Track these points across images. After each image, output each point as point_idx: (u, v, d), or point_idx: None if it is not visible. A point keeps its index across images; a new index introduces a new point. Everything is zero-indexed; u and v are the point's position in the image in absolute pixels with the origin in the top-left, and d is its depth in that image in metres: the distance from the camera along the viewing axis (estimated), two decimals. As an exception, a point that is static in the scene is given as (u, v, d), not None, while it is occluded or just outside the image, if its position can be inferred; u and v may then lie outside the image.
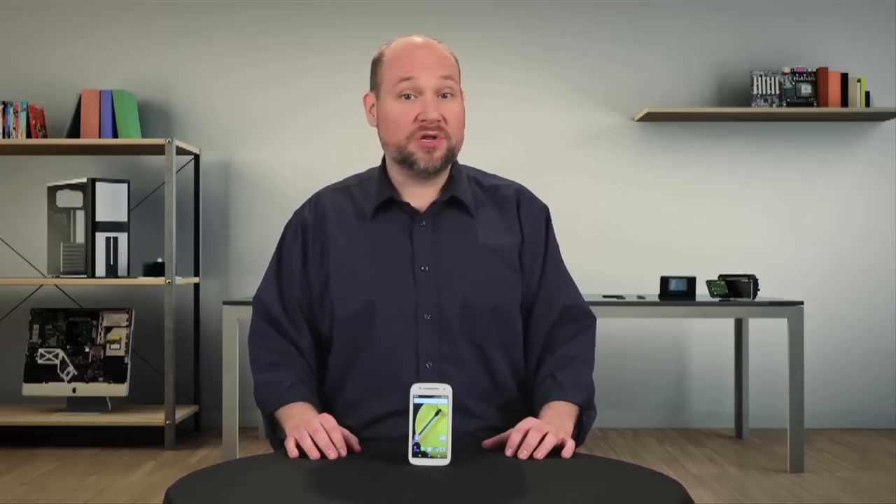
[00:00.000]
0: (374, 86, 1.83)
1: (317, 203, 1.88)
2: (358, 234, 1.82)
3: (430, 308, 1.77)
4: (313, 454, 1.58)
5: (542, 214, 1.91)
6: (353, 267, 1.81)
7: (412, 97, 1.76)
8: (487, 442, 1.67)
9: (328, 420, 1.64)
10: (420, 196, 1.83)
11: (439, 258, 1.80)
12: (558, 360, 1.83)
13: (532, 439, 1.59)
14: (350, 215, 1.85)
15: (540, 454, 1.58)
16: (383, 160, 1.87)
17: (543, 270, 1.88)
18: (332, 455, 1.58)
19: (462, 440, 1.60)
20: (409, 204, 1.82)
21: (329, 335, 1.83)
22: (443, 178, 1.84)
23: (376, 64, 1.83)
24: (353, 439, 1.65)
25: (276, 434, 1.80)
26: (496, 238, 1.84)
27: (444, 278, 1.79)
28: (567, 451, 1.60)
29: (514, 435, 1.61)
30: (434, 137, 1.75)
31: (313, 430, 1.61)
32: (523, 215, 1.88)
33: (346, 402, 1.82)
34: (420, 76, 1.75)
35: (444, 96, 1.76)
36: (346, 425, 1.72)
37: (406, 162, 1.78)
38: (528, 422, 1.63)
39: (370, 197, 1.84)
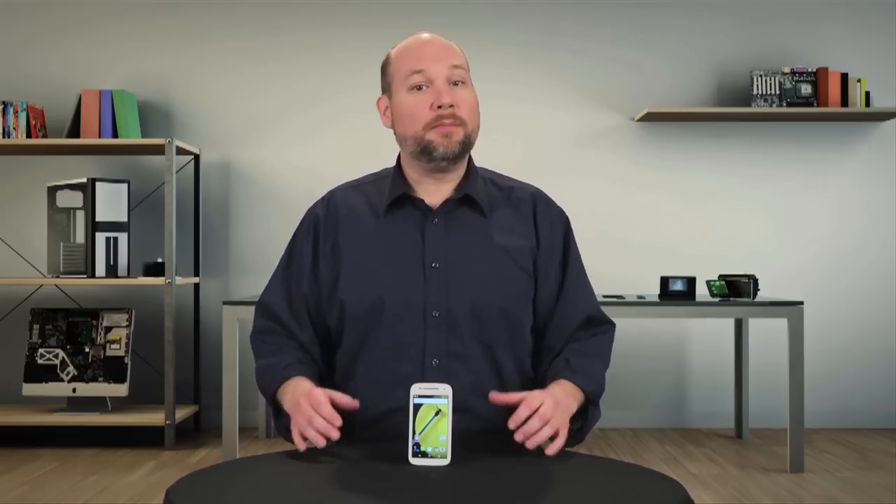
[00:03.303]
0: (386, 86, 1.84)
1: (329, 200, 1.89)
2: (370, 231, 1.83)
3: (439, 305, 1.77)
4: (320, 442, 1.59)
5: (561, 220, 1.90)
6: (364, 263, 1.81)
7: (424, 88, 1.77)
8: (497, 397, 1.65)
9: (314, 396, 1.64)
10: (434, 193, 1.83)
11: (450, 256, 1.79)
12: (574, 350, 1.83)
13: (532, 426, 1.59)
14: (363, 212, 1.85)
15: (531, 444, 1.58)
16: (398, 159, 1.87)
17: (564, 278, 1.87)
18: (334, 435, 1.59)
19: (463, 440, 1.60)
20: (422, 201, 1.82)
21: (338, 331, 1.84)
22: (458, 176, 1.84)
23: (385, 65, 1.84)
24: (345, 399, 1.65)
25: (280, 420, 1.81)
26: (509, 238, 1.83)
27: (454, 276, 1.78)
28: (551, 450, 1.60)
29: (522, 410, 1.60)
30: (451, 125, 1.76)
31: (307, 418, 1.62)
32: (539, 219, 1.87)
33: (352, 397, 1.82)
34: (430, 67, 1.76)
35: (455, 84, 1.77)
36: (353, 421, 1.72)
37: (426, 151, 1.78)
38: (537, 398, 1.62)
39: (384, 194, 1.84)
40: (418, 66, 1.76)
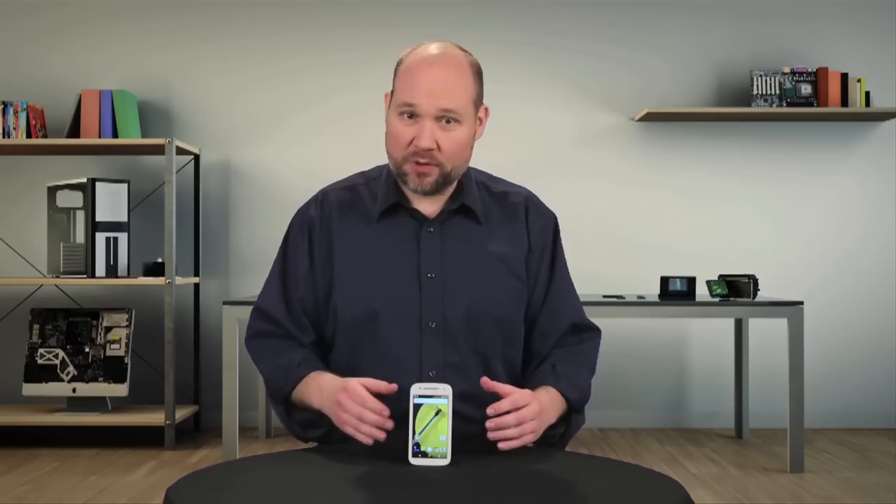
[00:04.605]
0: (392, 88, 1.80)
1: (322, 201, 1.85)
2: (364, 237, 1.80)
3: (436, 316, 1.76)
4: (378, 436, 1.59)
5: (550, 224, 1.89)
6: (358, 271, 1.79)
7: (413, 117, 1.73)
8: (489, 384, 1.64)
9: (355, 390, 1.62)
10: (429, 202, 1.81)
11: (446, 265, 1.78)
12: (560, 356, 1.83)
13: (507, 420, 1.58)
14: (357, 216, 1.82)
15: (505, 446, 1.58)
16: None
17: (550, 283, 1.86)
18: (389, 425, 1.59)
19: (461, 446, 1.59)
20: (417, 209, 1.81)
21: (332, 338, 1.82)
22: (451, 186, 1.82)
23: (396, 69, 1.79)
24: (381, 384, 1.63)
25: (292, 418, 1.79)
26: (504, 247, 1.82)
27: (450, 286, 1.77)
28: (505, 445, 1.59)
29: (506, 403, 1.60)
30: (426, 163, 1.73)
31: (358, 415, 1.60)
32: (531, 224, 1.86)
33: None
34: (421, 103, 1.71)
35: (447, 121, 1.73)
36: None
37: (400, 179, 1.77)
38: (524, 398, 1.61)
39: (377, 199, 1.82)
40: (411, 98, 1.71)
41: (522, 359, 1.87)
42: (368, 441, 1.60)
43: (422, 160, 1.72)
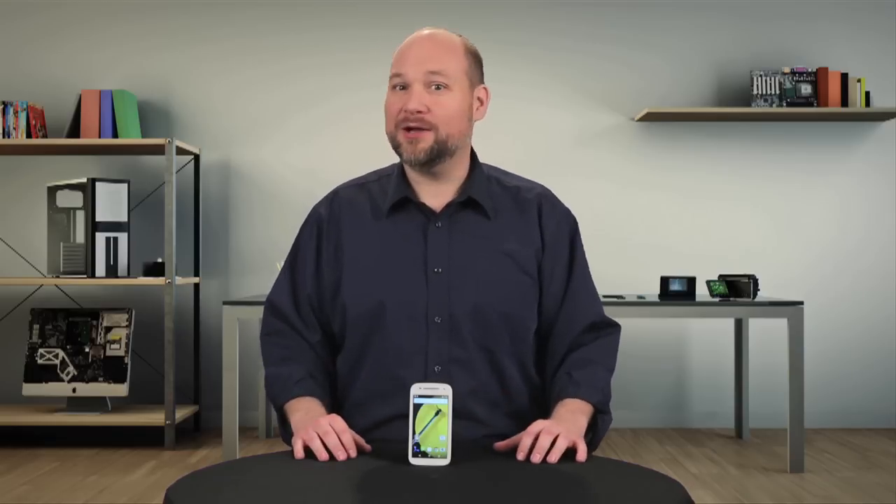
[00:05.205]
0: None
1: (333, 200, 1.87)
2: (372, 233, 1.81)
3: (442, 311, 1.75)
4: (322, 455, 1.56)
5: (567, 221, 1.87)
6: (365, 266, 1.79)
7: (403, 88, 1.76)
8: (499, 444, 1.64)
9: (338, 422, 1.61)
10: (436, 196, 1.80)
11: (453, 260, 1.77)
12: (576, 360, 1.80)
13: (544, 442, 1.56)
14: (366, 213, 1.83)
15: (553, 457, 1.55)
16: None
17: (569, 282, 1.84)
18: (341, 456, 1.56)
19: (463, 444, 1.59)
20: (425, 204, 1.80)
21: (340, 334, 1.82)
22: (460, 177, 1.82)
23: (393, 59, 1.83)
24: (362, 441, 1.63)
25: (286, 429, 1.79)
26: (513, 242, 1.80)
27: (456, 281, 1.76)
28: (581, 456, 1.57)
29: (525, 438, 1.58)
30: (418, 129, 1.74)
31: (323, 432, 1.58)
32: (545, 221, 1.83)
33: (353, 402, 1.80)
34: (408, 71, 1.74)
35: (437, 87, 1.74)
36: (353, 426, 1.69)
37: (396, 151, 1.79)
38: (539, 424, 1.60)
39: (387, 195, 1.82)
40: (399, 69, 1.75)
41: (543, 357, 1.85)
42: (322, 451, 1.56)
43: (413, 124, 1.73)
